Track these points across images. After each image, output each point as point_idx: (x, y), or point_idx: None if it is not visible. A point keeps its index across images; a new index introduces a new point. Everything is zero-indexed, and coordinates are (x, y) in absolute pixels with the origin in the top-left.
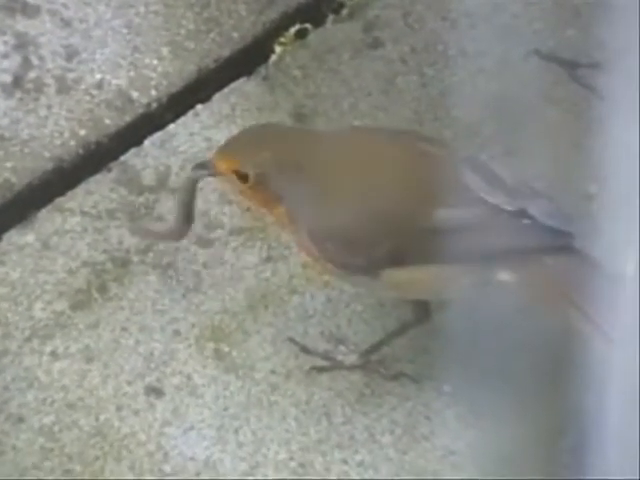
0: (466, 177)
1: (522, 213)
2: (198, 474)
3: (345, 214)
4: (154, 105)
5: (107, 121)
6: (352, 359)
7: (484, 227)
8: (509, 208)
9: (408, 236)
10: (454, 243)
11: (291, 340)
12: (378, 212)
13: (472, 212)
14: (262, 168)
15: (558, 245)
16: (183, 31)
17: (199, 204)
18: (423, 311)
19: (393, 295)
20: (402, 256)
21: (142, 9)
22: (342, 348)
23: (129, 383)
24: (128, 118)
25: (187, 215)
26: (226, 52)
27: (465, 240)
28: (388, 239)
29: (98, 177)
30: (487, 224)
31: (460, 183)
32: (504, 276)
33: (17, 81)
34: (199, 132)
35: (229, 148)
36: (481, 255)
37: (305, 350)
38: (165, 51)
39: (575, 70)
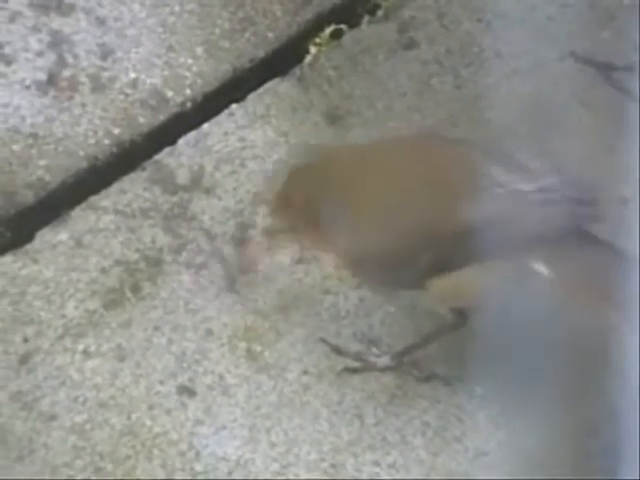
0: (490, 169)
1: (546, 189)
2: (230, 474)
3: (378, 232)
4: (188, 104)
5: (141, 120)
6: (384, 361)
7: (514, 215)
8: (532, 188)
9: (445, 242)
10: (489, 239)
11: (323, 341)
12: (411, 225)
13: (501, 204)
14: (298, 220)
15: (585, 212)
16: (218, 30)
17: (231, 204)
18: (460, 316)
19: (440, 305)
20: (444, 263)
21: (177, 8)
22: (374, 349)
23: (161, 382)
24: (162, 117)
25: None
26: (261, 52)
27: (499, 233)
28: (427, 250)
29: (132, 176)
30: (516, 211)
31: (485, 177)
32: (540, 267)
33: (52, 79)
34: (233, 132)
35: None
36: (516, 244)
37: (337, 351)
38: (200, 50)
39: (610, 73)
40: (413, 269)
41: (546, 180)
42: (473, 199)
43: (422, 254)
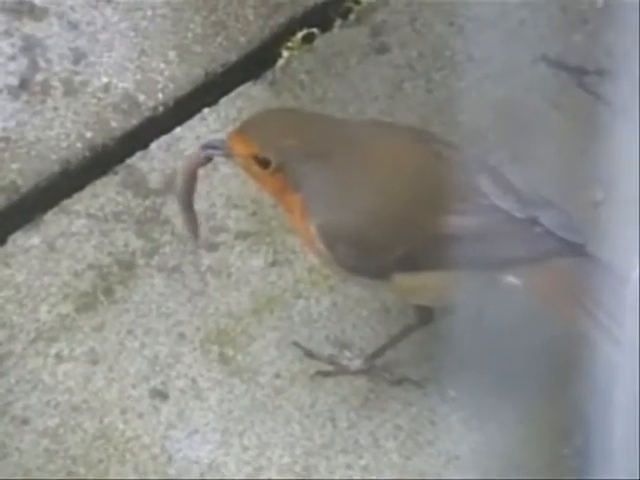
0: (479, 182)
1: (533, 221)
2: (202, 477)
3: (360, 215)
4: (161, 108)
5: (114, 124)
6: (357, 364)
7: (496, 234)
8: (521, 215)
9: (422, 241)
10: (465, 249)
11: (296, 344)
12: (394, 216)
13: (485, 219)
14: (286, 156)
15: (568, 255)
16: (190, 35)
17: (204, 207)
18: (427, 314)
19: (401, 298)
20: (414, 261)
21: (149, 12)
22: (347, 353)
23: (134, 386)
24: (135, 121)
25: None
26: (233, 56)
27: (477, 246)
28: (401, 244)
29: (104, 180)
30: (499, 231)
31: (474, 188)
32: (513, 280)
33: (24, 83)
34: (205, 136)
35: (249, 130)
36: (491, 262)
37: (310, 354)
38: (172, 55)
39: (582, 77)
40: (384, 259)
41: (531, 208)
42: (458, 207)
43: (397, 246)
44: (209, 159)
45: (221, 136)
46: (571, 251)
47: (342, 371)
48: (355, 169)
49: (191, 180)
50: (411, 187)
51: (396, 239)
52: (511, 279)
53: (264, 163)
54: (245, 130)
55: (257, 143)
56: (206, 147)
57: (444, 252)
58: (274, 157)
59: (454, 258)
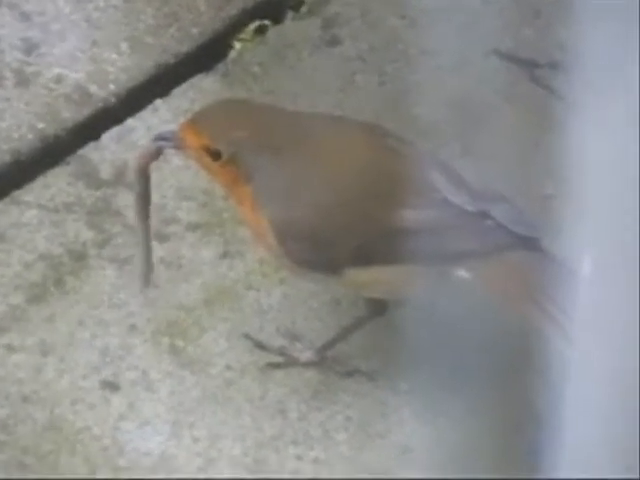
0: (432, 177)
1: (485, 215)
2: (153, 469)
3: (311, 208)
4: (112, 99)
5: (65, 115)
6: (307, 356)
7: (447, 228)
8: (472, 209)
9: (373, 235)
10: (418, 243)
11: (246, 336)
12: (345, 209)
13: (436, 213)
14: (237, 148)
15: (520, 249)
16: (142, 26)
17: (155, 198)
18: (379, 306)
19: (353, 292)
20: (366, 255)
21: (101, 3)
22: (297, 345)
23: (84, 377)
24: (86, 112)
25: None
26: (185, 47)
27: (429, 240)
28: (353, 238)
29: (56, 170)
30: (450, 225)
31: (426, 183)
32: (465, 274)
33: None
34: (157, 127)
35: (200, 121)
36: (444, 256)
37: (260, 346)
38: (124, 46)
39: (534, 70)
40: (335, 253)
41: (482, 202)
42: (410, 201)
43: (348, 240)
44: (160, 151)
45: (172, 127)
46: (523, 245)
47: (293, 363)
48: (307, 162)
49: (145, 174)
50: (363, 181)
51: (348, 233)
52: (463, 273)
53: (215, 155)
54: (196, 121)
55: (208, 134)
56: (157, 139)
57: (396, 246)
58: (225, 148)
59: (406, 252)
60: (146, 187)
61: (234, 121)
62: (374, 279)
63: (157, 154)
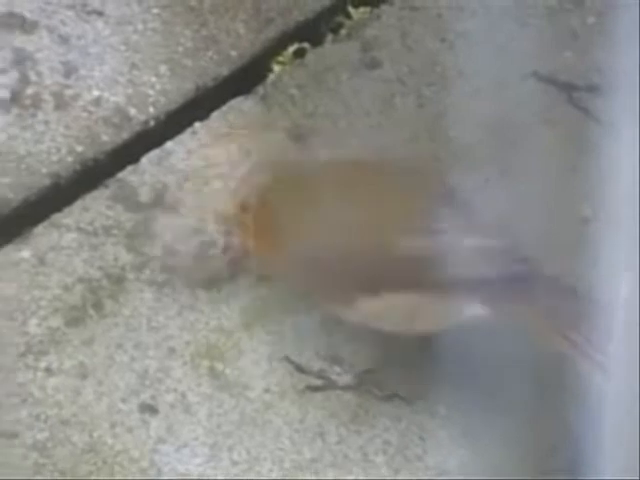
0: (439, 206)
1: (485, 248)
2: None
3: (318, 241)
4: (152, 122)
5: (104, 138)
6: (346, 379)
7: (453, 258)
8: (474, 242)
9: (379, 264)
10: (422, 270)
11: (286, 359)
12: (353, 239)
13: (439, 242)
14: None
15: (524, 283)
16: (181, 49)
17: (194, 222)
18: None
19: (367, 326)
20: (374, 284)
21: (140, 26)
22: (337, 368)
23: (123, 400)
24: (125, 135)
25: None
26: (224, 70)
27: (436, 270)
28: (360, 268)
29: (95, 194)
30: (456, 255)
31: (433, 212)
32: (476, 311)
33: (15, 97)
34: (196, 150)
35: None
36: (452, 286)
37: (300, 369)
38: (163, 68)
39: (572, 92)
40: (346, 284)
41: (487, 227)
42: (419, 230)
43: (358, 268)
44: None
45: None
46: (518, 280)
47: (332, 386)
48: (319, 201)
49: None
50: (368, 214)
51: (355, 265)
52: (476, 307)
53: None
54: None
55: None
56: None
57: (403, 273)
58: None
59: (413, 279)
60: None
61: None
62: (384, 308)
63: None
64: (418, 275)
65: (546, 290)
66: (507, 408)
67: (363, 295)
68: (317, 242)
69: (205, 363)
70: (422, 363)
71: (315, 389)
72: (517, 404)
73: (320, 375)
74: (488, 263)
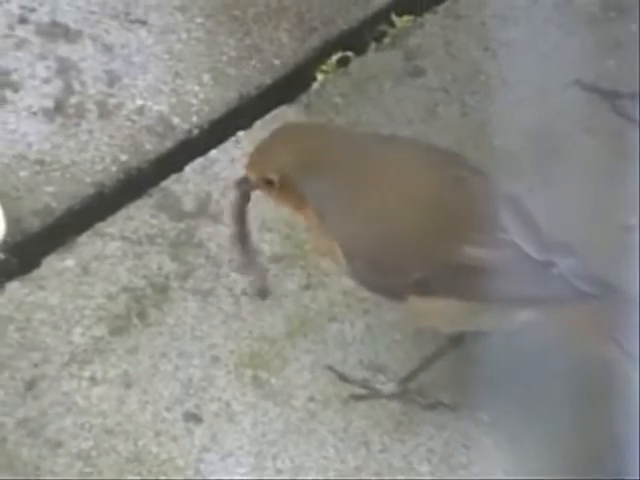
0: (501, 214)
1: (549, 265)
2: None
3: (378, 236)
4: (195, 131)
5: (148, 147)
6: (390, 388)
7: (510, 272)
8: (538, 257)
9: (437, 267)
10: (480, 282)
11: (330, 368)
12: (411, 238)
13: (501, 255)
14: (283, 171)
15: (579, 303)
16: (225, 58)
17: None
18: (457, 336)
19: (416, 321)
20: (428, 285)
21: (184, 35)
22: (380, 376)
23: (167, 409)
24: (169, 144)
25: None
26: (267, 79)
27: (491, 281)
28: (416, 267)
29: (138, 203)
30: (513, 269)
31: (495, 221)
32: (526, 317)
33: (59, 106)
34: (240, 159)
35: (253, 155)
36: (505, 297)
37: (343, 378)
38: (206, 77)
39: (615, 101)
40: (399, 281)
41: (550, 252)
42: (478, 238)
43: (413, 270)
44: (247, 196)
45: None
46: (583, 300)
47: (376, 395)
48: (373, 185)
49: (241, 220)
50: (431, 212)
51: (412, 263)
52: (524, 316)
53: (269, 182)
54: (251, 157)
55: (260, 165)
56: (238, 185)
57: (459, 281)
58: (273, 174)
59: (468, 289)
60: (243, 227)
61: (284, 146)
62: (435, 310)
63: (246, 198)
64: (475, 285)
65: (595, 297)
66: (552, 415)
67: (414, 294)
68: (373, 233)
69: (249, 372)
70: (465, 370)
71: (359, 398)
72: (562, 411)
73: (364, 384)
74: (551, 281)
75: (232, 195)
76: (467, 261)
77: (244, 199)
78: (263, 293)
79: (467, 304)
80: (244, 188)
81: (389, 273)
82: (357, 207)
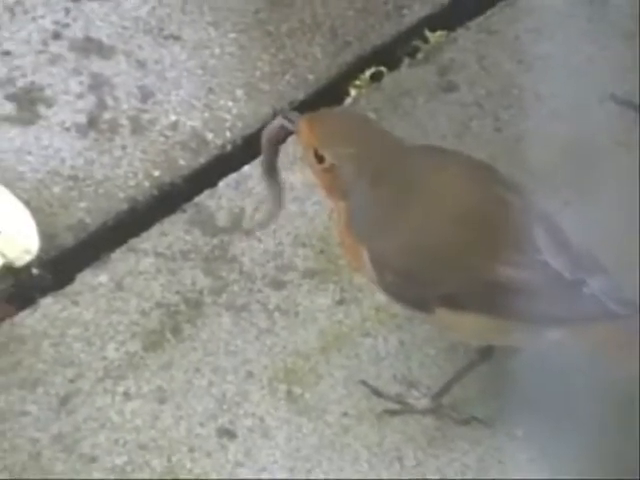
0: (534, 233)
1: (582, 284)
2: None
3: (410, 245)
4: (228, 147)
5: (181, 162)
6: (424, 403)
7: (542, 292)
8: (570, 277)
9: (468, 283)
10: (511, 300)
11: (363, 383)
12: (444, 253)
13: (534, 275)
14: (340, 160)
15: (612, 323)
16: (258, 73)
17: (271, 246)
18: (486, 349)
19: (443, 331)
20: (457, 300)
21: (217, 50)
22: (414, 391)
23: (201, 424)
24: (202, 159)
25: (274, 172)
26: (301, 94)
27: (522, 300)
28: (447, 282)
29: (172, 218)
30: (546, 289)
31: (529, 240)
32: (557, 336)
33: (92, 121)
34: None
35: (318, 122)
36: (535, 317)
37: (377, 393)
38: (240, 93)
39: None
40: (428, 294)
41: (582, 270)
42: (510, 256)
43: (442, 283)
44: (284, 130)
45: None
46: (613, 320)
47: (409, 410)
48: (410, 196)
49: (273, 148)
50: (464, 227)
51: (442, 277)
52: (554, 334)
53: (319, 158)
54: (315, 120)
55: (319, 137)
56: (284, 117)
57: (489, 298)
58: (329, 156)
59: (498, 306)
60: (273, 158)
61: (348, 134)
62: (463, 324)
63: (284, 132)
64: (505, 302)
65: (625, 317)
66: (585, 430)
67: (442, 307)
68: (405, 243)
69: (283, 387)
70: (499, 386)
71: (393, 413)
72: (595, 427)
73: (397, 399)
74: (582, 301)
75: (271, 128)
76: (499, 279)
77: (284, 133)
78: (268, 220)
79: (496, 320)
80: (287, 124)
81: (418, 284)
82: (392, 216)
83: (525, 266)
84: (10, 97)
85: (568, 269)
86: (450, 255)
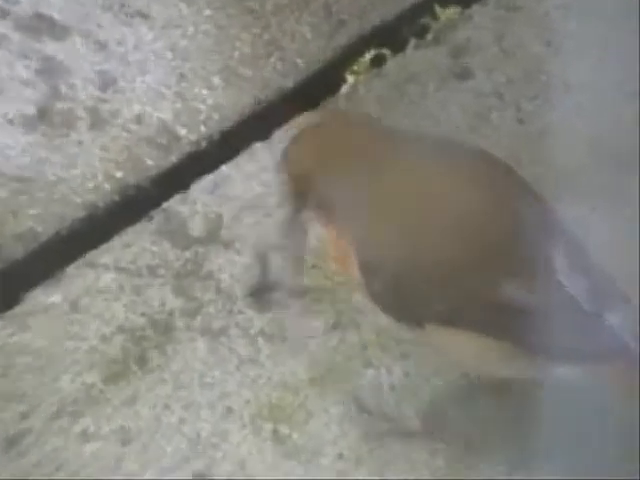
0: (552, 252)
1: (599, 317)
2: None
3: (400, 254)
4: (204, 143)
5: (148, 161)
6: (434, 443)
7: (553, 317)
8: (587, 307)
9: (464, 300)
10: (513, 322)
11: (362, 421)
12: (441, 267)
13: (544, 297)
14: (306, 173)
15: (629, 358)
16: (238, 55)
17: (254, 260)
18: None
19: (434, 352)
20: (453, 318)
21: (190, 29)
22: (423, 429)
23: (172, 470)
24: (173, 158)
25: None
26: (289, 82)
27: (527, 324)
28: (440, 297)
29: (137, 227)
30: (558, 315)
31: (544, 259)
32: (566, 369)
33: (42, 113)
34: (256, 175)
35: (287, 149)
36: (540, 345)
37: (379, 432)
38: (216, 79)
39: None
40: (421, 306)
41: (599, 299)
42: (518, 276)
43: (439, 300)
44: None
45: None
46: (630, 357)
47: (418, 451)
48: (401, 199)
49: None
50: (466, 238)
51: (438, 291)
52: (563, 367)
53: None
54: (286, 149)
55: (288, 162)
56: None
57: (487, 317)
58: (295, 175)
59: (498, 327)
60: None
61: (311, 147)
62: (456, 344)
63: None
64: (507, 325)
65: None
66: (611, 472)
67: (434, 322)
68: (397, 248)
69: (268, 426)
70: (519, 429)
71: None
72: (623, 467)
73: (402, 438)
74: (598, 334)
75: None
76: (500, 298)
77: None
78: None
79: (495, 343)
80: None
81: (408, 296)
82: (383, 224)
83: (535, 286)
84: None
85: (585, 296)
86: (444, 267)
